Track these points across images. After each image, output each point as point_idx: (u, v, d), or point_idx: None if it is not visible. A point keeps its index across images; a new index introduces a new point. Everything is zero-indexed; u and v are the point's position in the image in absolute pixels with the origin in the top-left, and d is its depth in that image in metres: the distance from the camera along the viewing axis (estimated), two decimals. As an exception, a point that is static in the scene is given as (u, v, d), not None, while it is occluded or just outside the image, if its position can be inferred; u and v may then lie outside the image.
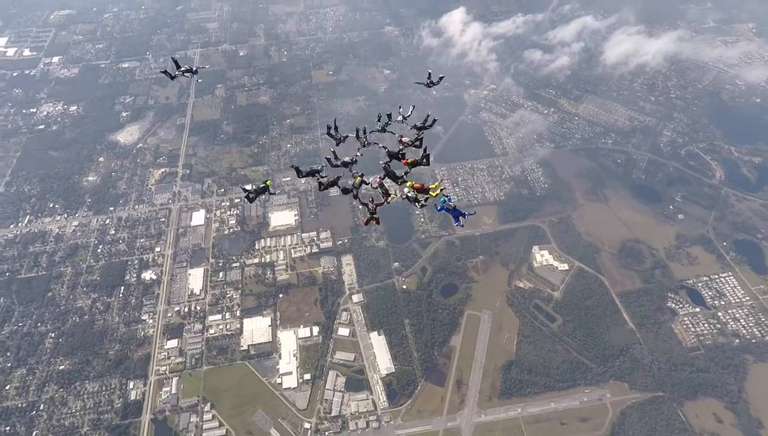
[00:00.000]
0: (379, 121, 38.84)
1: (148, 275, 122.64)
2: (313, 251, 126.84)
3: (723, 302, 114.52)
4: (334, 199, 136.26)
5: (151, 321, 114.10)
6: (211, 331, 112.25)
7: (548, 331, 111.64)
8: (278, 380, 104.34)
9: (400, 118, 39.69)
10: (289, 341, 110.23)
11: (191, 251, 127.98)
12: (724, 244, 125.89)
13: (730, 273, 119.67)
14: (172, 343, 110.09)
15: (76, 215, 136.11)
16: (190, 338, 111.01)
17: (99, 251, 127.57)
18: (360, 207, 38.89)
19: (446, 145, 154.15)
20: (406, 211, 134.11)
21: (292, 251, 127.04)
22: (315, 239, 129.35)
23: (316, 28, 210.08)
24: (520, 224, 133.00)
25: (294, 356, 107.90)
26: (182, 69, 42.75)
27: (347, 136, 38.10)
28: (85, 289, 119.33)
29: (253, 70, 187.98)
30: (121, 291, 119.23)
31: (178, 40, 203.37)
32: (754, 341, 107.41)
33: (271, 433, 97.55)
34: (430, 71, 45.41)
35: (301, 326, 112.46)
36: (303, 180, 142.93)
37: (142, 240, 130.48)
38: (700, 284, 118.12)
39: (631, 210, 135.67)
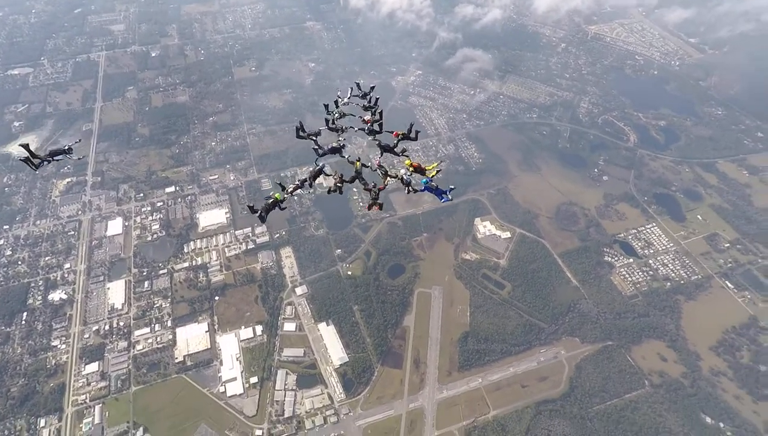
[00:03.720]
0: (328, 111, 37.48)
1: (56, 296, 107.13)
2: (248, 247, 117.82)
3: (652, 251, 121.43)
4: (265, 193, 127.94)
5: (63, 346, 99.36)
6: (139, 347, 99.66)
7: (499, 298, 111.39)
8: (221, 389, 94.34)
9: (345, 100, 38.89)
10: (230, 344, 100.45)
11: (109, 263, 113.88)
12: (645, 198, 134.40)
13: (654, 224, 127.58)
14: (92, 367, 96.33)
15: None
16: (113, 359, 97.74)
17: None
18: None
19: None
20: (344, 196, 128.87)
21: (226, 249, 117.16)
22: (250, 235, 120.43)
23: (234, 26, 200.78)
24: (459, 198, 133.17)
25: (237, 360, 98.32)
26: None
27: (321, 131, 35.85)
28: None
29: (168, 71, 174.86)
30: (24, 317, 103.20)
31: (79, 44, 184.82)
32: (682, 282, 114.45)
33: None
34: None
35: (243, 327, 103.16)
36: (233, 176, 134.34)
37: (47, 258, 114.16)
38: (630, 237, 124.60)
39: (561, 176, 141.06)
